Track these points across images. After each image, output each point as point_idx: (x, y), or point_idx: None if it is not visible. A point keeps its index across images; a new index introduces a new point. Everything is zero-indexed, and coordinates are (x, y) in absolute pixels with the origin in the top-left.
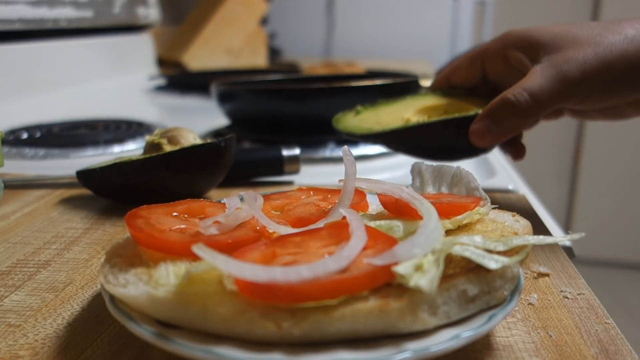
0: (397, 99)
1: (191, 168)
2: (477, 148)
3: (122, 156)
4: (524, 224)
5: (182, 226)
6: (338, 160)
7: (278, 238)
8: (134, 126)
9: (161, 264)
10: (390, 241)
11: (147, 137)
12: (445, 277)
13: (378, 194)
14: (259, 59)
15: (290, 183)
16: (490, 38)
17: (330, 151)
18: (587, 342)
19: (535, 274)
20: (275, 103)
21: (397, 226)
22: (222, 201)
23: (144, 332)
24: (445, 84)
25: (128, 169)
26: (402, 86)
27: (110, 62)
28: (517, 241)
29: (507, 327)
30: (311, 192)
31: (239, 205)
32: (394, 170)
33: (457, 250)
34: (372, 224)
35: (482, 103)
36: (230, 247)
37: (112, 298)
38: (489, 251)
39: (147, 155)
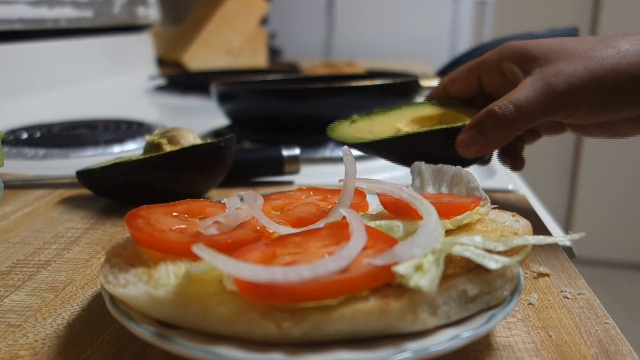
0: (393, 109)
1: (191, 168)
2: (466, 159)
3: (122, 156)
4: (524, 224)
5: (182, 226)
6: (338, 160)
7: (278, 238)
8: (134, 126)
9: (161, 264)
10: (390, 241)
11: (147, 137)
12: (445, 277)
13: (378, 194)
14: (259, 59)
15: (290, 183)
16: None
17: (330, 151)
18: (587, 342)
19: (535, 274)
20: (275, 103)
21: (397, 226)
22: (222, 201)
23: (144, 332)
24: (443, 95)
25: (128, 169)
26: (402, 86)
27: (110, 62)
28: (517, 241)
29: (507, 327)
30: (311, 192)
31: (239, 205)
32: (394, 170)
33: (457, 250)
34: (372, 224)
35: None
36: (230, 247)
37: (112, 298)
38: (489, 251)
39: (147, 155)
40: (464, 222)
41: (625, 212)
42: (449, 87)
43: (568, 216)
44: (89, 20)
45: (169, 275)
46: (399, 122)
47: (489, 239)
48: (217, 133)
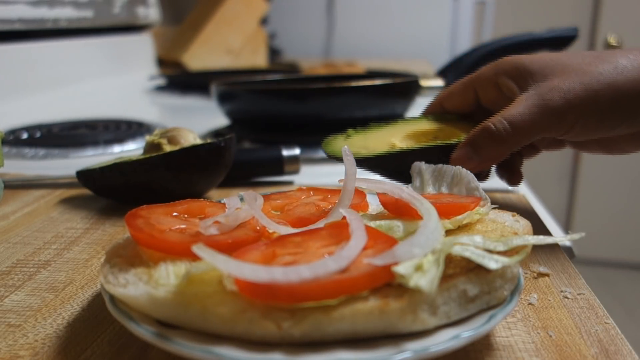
0: (388, 123)
1: (191, 168)
2: None
3: (122, 156)
4: (524, 224)
5: (182, 226)
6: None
7: (278, 238)
8: (134, 126)
9: (161, 264)
10: (390, 241)
11: (147, 137)
12: (445, 277)
13: (378, 194)
14: (259, 59)
15: (290, 183)
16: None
17: None
18: (587, 342)
19: (535, 274)
20: (275, 103)
21: (397, 226)
22: (222, 201)
23: (144, 332)
24: (439, 110)
25: (128, 169)
26: (402, 86)
27: (110, 62)
28: (517, 241)
29: (507, 327)
30: (311, 192)
31: (239, 205)
32: None
33: (457, 250)
34: (372, 224)
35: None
36: (230, 247)
37: (112, 298)
38: (489, 251)
39: (147, 155)
40: (464, 222)
41: (625, 212)
42: (445, 102)
43: (568, 216)
44: (89, 20)
45: (169, 275)
46: (394, 137)
47: (489, 239)
48: (217, 133)
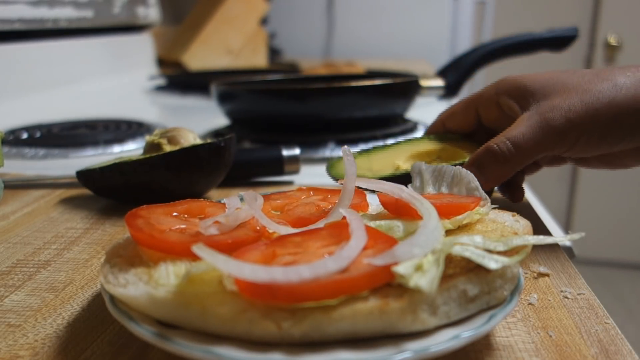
0: (391, 145)
1: (191, 168)
2: None
3: (122, 156)
4: (524, 224)
5: (182, 226)
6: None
7: (278, 238)
8: (134, 126)
9: (161, 264)
10: (390, 241)
11: (147, 137)
12: (445, 277)
13: (378, 194)
14: (259, 59)
15: (290, 183)
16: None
17: (330, 151)
18: (587, 342)
19: (535, 274)
20: (275, 103)
21: (397, 226)
22: (222, 201)
23: (144, 332)
24: (441, 129)
25: (128, 169)
26: (402, 86)
27: (110, 62)
28: (517, 241)
29: (507, 327)
30: (311, 192)
31: (239, 205)
32: None
33: (457, 250)
34: (372, 224)
35: (477, 149)
36: (230, 247)
37: (112, 298)
38: (489, 251)
39: (147, 155)
40: (464, 222)
41: (625, 212)
42: (447, 121)
43: (568, 216)
44: (89, 20)
45: (169, 275)
46: (397, 158)
47: (489, 239)
48: (217, 133)
